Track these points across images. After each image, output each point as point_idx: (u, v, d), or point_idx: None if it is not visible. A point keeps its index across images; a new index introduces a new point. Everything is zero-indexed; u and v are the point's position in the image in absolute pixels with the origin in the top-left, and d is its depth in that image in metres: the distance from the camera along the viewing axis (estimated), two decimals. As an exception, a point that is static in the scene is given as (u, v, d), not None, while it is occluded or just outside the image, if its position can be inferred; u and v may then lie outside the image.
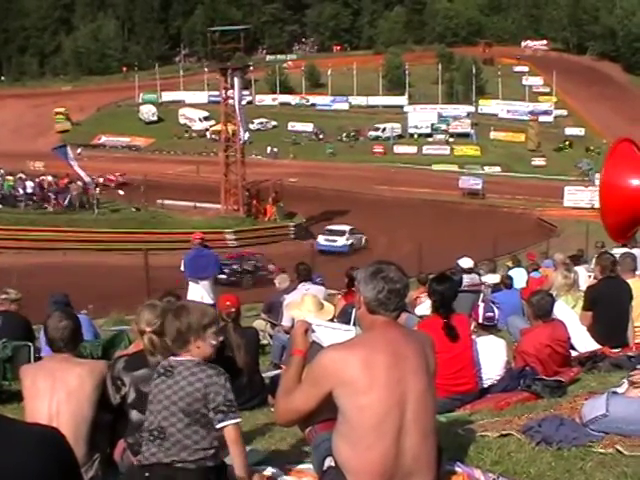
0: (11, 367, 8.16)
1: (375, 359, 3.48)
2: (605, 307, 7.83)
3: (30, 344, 8.44)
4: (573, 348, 7.41)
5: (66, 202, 46.06)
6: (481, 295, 11.43)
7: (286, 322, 9.63)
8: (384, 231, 46.71)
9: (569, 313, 7.87)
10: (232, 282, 28.56)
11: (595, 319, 7.87)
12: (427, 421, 3.56)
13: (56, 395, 4.55)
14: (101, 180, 54.52)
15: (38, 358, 7.70)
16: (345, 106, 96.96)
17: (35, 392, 4.59)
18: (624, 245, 12.73)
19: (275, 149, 78.35)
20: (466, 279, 11.47)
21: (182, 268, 13.11)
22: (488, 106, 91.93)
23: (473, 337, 6.67)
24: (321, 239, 43.96)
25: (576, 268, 10.59)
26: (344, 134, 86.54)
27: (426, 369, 3.59)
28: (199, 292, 12.84)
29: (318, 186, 62.06)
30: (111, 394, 4.75)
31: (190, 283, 12.99)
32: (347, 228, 45.45)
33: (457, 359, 6.23)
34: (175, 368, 3.93)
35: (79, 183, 46.56)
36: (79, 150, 77.78)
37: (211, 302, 12.34)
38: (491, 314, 6.95)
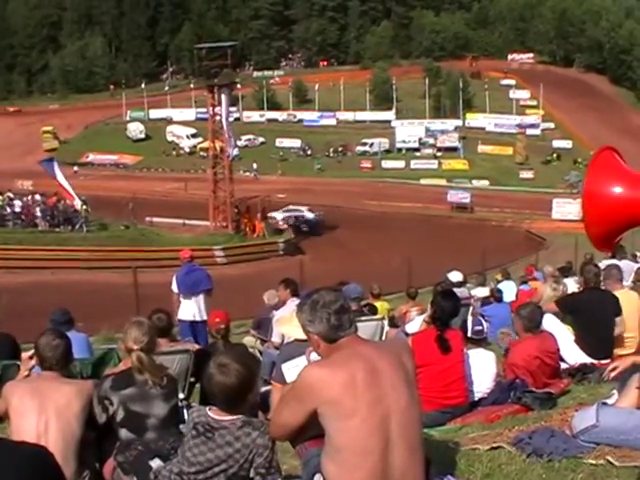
0: (-2, 386, 8.11)
1: (355, 378, 3.44)
2: (589, 319, 7.82)
3: (18, 363, 8.39)
4: (563, 360, 7.43)
5: (78, 226, 45.64)
6: (470, 309, 11.44)
7: (276, 338, 9.60)
8: (373, 246, 46.70)
9: (558, 325, 7.89)
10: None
11: (580, 331, 7.87)
12: (413, 434, 3.53)
13: (44, 413, 4.53)
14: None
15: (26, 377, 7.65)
16: (333, 122, 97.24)
17: (23, 410, 4.57)
18: (613, 257, 12.80)
19: (254, 167, 77.48)
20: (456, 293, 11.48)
21: (173, 287, 13.08)
22: (475, 120, 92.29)
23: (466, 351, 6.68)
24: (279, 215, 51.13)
25: (565, 280, 10.64)
26: (332, 150, 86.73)
27: (405, 380, 3.55)
28: (192, 309, 12.84)
29: (306, 202, 62.08)
30: (97, 413, 4.73)
31: (183, 300, 12.96)
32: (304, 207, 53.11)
33: (449, 372, 6.24)
34: (216, 430, 3.77)
35: (68, 201, 46.41)
36: (75, 168, 78.02)
37: (204, 318, 12.37)
38: (479, 327, 6.97)
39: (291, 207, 54.40)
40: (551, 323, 7.71)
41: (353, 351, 3.55)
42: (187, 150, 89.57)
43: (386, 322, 9.90)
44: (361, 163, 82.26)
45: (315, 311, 3.61)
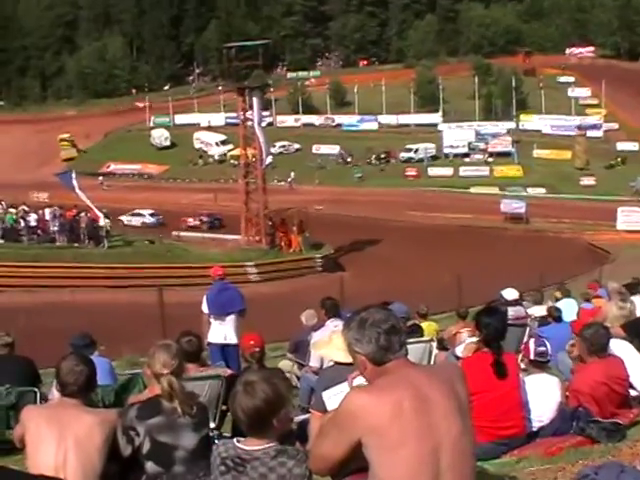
0: (15, 415, 8.17)
1: (403, 406, 3.44)
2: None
3: (36, 390, 8.47)
4: (632, 387, 7.32)
5: (103, 244, 46.15)
6: (527, 329, 11.35)
7: (314, 362, 9.60)
8: (419, 261, 46.58)
9: (627, 349, 7.77)
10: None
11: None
12: (465, 467, 3.51)
13: (63, 444, 4.55)
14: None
15: (44, 406, 7.72)
16: (374, 126, 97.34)
17: (40, 438, 4.60)
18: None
19: (291, 176, 78.26)
20: (511, 312, 11.38)
21: (203, 307, 13.12)
22: (530, 121, 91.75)
23: (521, 376, 6.62)
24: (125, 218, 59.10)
25: (632, 298, 10.49)
26: (373, 156, 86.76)
27: (458, 409, 3.54)
28: (222, 331, 12.88)
29: (346, 213, 62.13)
30: (121, 445, 4.74)
31: (213, 322, 13.00)
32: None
33: (504, 399, 6.19)
34: (248, 462, 3.74)
35: (88, 215, 46.85)
36: (100, 179, 79.03)
37: (237, 341, 12.39)
38: (543, 349, 6.90)
39: (136, 211, 62.68)
40: (619, 346, 7.60)
41: (402, 376, 3.55)
42: (216, 158, 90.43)
43: (434, 344, 9.89)
44: (405, 171, 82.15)
45: (363, 329, 3.62)
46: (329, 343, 6.85)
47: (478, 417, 5.58)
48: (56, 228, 47.71)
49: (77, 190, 44.39)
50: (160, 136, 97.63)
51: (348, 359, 4.33)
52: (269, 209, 51.36)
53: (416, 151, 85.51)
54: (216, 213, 62.08)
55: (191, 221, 60.49)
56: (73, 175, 45.59)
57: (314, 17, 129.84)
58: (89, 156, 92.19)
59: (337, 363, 5.25)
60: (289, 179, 77.32)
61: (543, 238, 55.53)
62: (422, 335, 11.08)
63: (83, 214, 47.36)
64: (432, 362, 9.34)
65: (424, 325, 12.83)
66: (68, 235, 46.96)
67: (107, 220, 46.94)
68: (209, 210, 63.45)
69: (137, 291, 35.34)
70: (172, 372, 4.81)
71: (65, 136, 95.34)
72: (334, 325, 10.38)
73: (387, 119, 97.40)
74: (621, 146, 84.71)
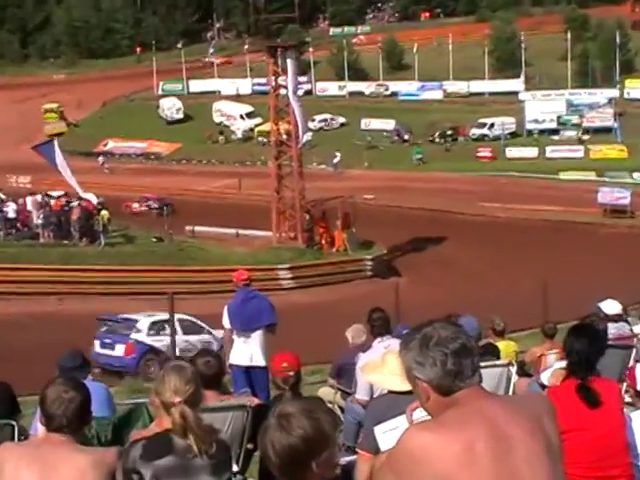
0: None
1: (475, 448, 3.38)
2: None
3: (13, 423, 8.51)
4: None
5: (99, 242, 46.28)
6: (633, 352, 11.27)
7: (362, 391, 9.59)
8: (494, 265, 46.40)
9: None
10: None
11: None
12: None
13: (47, 492, 4.53)
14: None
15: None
16: (438, 95, 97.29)
17: (17, 483, 4.59)
18: None
19: (337, 158, 78.08)
20: (612, 330, 11.33)
21: (224, 321, 13.23)
22: (638, 89, 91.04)
23: (626, 411, 6.56)
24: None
25: None
26: (437, 133, 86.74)
27: (546, 452, 3.48)
28: (248, 351, 12.96)
29: (403, 205, 62.01)
30: (123, 491, 4.75)
31: (237, 339, 13.12)
32: None
33: (604, 440, 6.12)
34: None
35: (81, 203, 46.69)
36: (101, 159, 79.43)
37: (263, 364, 12.42)
38: (655, 377, 6.85)
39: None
40: None
41: (474, 409, 3.49)
42: (240, 135, 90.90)
43: (514, 369, 9.84)
44: (477, 151, 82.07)
45: (427, 350, 3.56)
46: (382, 366, 6.84)
47: (571, 462, 5.54)
48: (40, 221, 47.60)
49: (59, 164, 43.83)
50: (171, 107, 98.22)
51: (406, 386, 4.30)
52: (307, 199, 51.40)
53: (491, 127, 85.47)
54: (165, 198, 62.68)
55: (136, 207, 61.63)
56: (55, 144, 45.28)
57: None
58: (82, 131, 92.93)
59: (391, 392, 5.22)
60: (334, 161, 77.26)
61: (653, 236, 55.08)
62: (498, 357, 11.05)
63: (75, 203, 47.27)
64: (511, 391, 9.30)
65: (501, 345, 12.78)
66: (55, 230, 46.90)
67: (104, 211, 46.89)
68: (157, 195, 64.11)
69: (141, 300, 35.55)
70: (186, 401, 4.81)
71: (51, 106, 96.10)
72: (385, 345, 10.39)
73: (455, 86, 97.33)
74: None
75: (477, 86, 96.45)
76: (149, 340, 27.48)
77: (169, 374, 4.98)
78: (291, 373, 7.85)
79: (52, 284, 39.86)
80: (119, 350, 27.62)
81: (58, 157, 43.69)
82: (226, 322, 13.21)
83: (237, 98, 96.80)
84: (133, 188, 66.61)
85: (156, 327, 27.45)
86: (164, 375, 5.00)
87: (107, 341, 27.97)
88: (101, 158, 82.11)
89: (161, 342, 26.15)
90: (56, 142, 45.74)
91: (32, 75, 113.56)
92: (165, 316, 23.10)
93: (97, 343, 28.18)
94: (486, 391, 3.64)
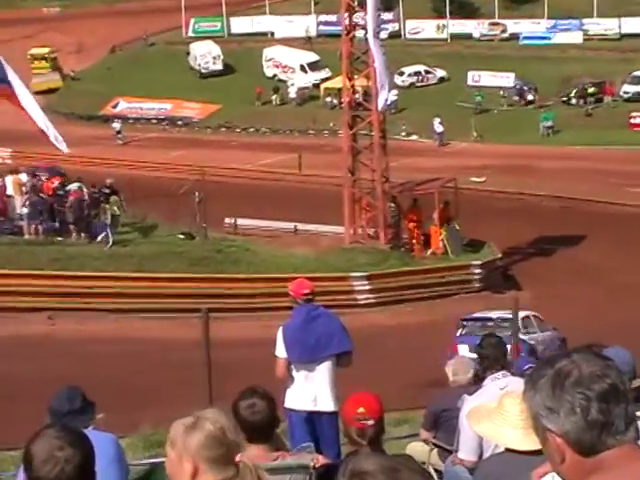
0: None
1: None
2: None
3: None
4: None
5: (106, 239, 46.28)
6: None
7: (468, 448, 9.53)
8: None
9: None
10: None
11: None
12: None
13: None
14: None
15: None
16: (576, 38, 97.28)
17: None
18: None
19: (439, 126, 78.00)
20: None
21: (279, 349, 13.18)
22: None
23: None
24: None
25: None
26: (574, 91, 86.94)
27: None
28: (311, 390, 12.96)
29: (524, 190, 61.90)
30: None
31: (295, 374, 13.11)
32: None
33: None
34: None
35: (82, 186, 46.68)
36: (116, 125, 79.53)
37: (332, 408, 12.34)
38: None
39: None
40: None
41: (630, 476, 3.37)
42: (299, 94, 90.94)
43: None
44: (630, 117, 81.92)
45: (562, 391, 3.42)
46: (496, 414, 6.71)
47: None
48: (25, 210, 47.14)
49: (16, 87, 40.17)
50: (205, 54, 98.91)
51: (530, 443, 4.16)
52: (392, 182, 51.38)
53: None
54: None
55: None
56: (2, 60, 43.13)
57: None
58: (83, 86, 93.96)
59: (509, 450, 5.09)
60: (438, 130, 77.14)
61: None
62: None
63: (73, 185, 47.49)
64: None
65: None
66: (45, 221, 46.98)
67: (114, 197, 46.61)
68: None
69: (162, 320, 35.93)
70: (217, 461, 4.77)
71: (41, 51, 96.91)
72: (502, 385, 10.26)
73: (598, 25, 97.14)
74: None
75: (632, 25, 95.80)
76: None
77: (200, 424, 4.90)
78: (370, 422, 7.71)
79: (41, 296, 40.15)
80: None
81: (10, 72, 40.39)
82: (281, 351, 13.14)
83: (302, 43, 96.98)
84: (151, 164, 67.22)
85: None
86: (192, 427, 4.90)
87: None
88: (117, 124, 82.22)
89: None
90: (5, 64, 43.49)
91: (14, 8, 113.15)
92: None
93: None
94: None
